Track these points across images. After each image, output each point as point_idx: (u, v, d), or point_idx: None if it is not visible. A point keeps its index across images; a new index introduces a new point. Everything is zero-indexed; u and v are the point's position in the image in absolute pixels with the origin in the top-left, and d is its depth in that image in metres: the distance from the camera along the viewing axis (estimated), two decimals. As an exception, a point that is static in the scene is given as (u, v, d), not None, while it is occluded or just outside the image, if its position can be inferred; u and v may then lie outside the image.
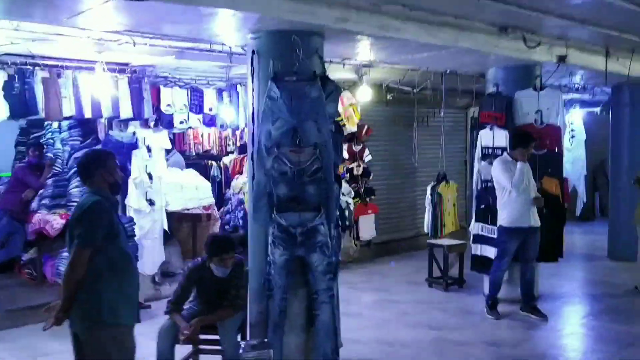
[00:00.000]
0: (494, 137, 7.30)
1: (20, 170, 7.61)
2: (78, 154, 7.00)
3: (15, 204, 7.42)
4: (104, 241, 3.58)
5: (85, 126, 7.36)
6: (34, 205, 7.45)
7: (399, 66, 7.99)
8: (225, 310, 4.77)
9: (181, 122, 7.78)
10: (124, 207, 7.31)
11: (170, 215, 8.00)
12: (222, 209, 9.82)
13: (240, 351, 4.62)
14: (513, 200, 6.58)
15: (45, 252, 7.41)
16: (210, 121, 8.11)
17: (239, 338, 5.01)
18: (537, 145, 6.91)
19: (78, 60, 6.65)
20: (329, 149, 4.99)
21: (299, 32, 4.93)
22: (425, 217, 8.90)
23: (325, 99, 4.97)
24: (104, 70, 6.59)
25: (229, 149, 10.13)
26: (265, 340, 4.89)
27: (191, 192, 7.96)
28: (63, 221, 6.89)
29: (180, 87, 7.75)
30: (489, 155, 7.30)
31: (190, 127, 8.14)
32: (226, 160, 10.04)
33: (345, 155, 9.40)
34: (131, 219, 6.96)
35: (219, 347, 4.76)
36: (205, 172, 10.07)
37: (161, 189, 7.54)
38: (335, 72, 7.83)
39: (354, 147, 9.49)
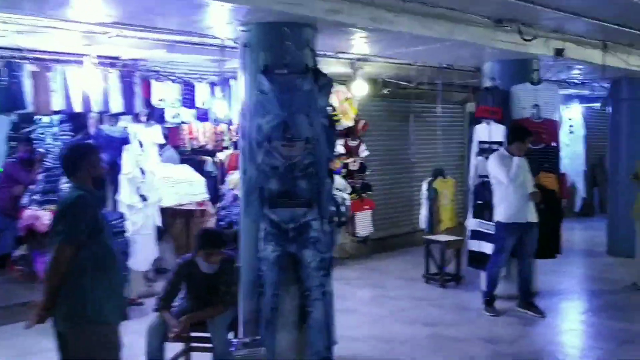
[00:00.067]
0: (490, 131, 7.20)
1: (10, 166, 7.51)
2: (65, 149, 6.91)
3: (5, 200, 7.32)
4: (88, 237, 3.49)
5: (76, 121, 7.23)
6: (24, 201, 7.33)
7: (395, 60, 7.89)
8: (215, 307, 4.68)
9: (173, 117, 7.68)
10: (116, 202, 7.24)
11: (164, 211, 7.90)
12: (217, 204, 9.74)
13: (232, 349, 4.53)
14: (510, 195, 6.50)
15: (36, 249, 7.30)
16: (203, 116, 8.01)
17: (231, 335, 4.93)
18: (534, 140, 6.83)
19: (67, 54, 6.54)
20: (321, 143, 4.90)
21: (290, 24, 4.83)
22: (421, 213, 8.82)
23: (317, 93, 4.87)
24: (93, 63, 6.48)
25: (224, 144, 10.02)
26: (258, 337, 4.79)
27: (184, 187, 7.86)
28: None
29: (172, 81, 7.64)
30: (486, 150, 7.20)
31: (182, 122, 8.02)
32: (222, 155, 9.91)
33: (342, 150, 9.33)
34: (122, 215, 6.87)
35: (210, 345, 4.67)
36: (200, 168, 9.97)
37: (154, 185, 7.44)
38: (330, 66, 7.77)
39: (350, 143, 9.40)
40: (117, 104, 6.91)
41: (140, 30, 5.67)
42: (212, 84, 8.00)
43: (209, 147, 9.94)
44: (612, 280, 8.28)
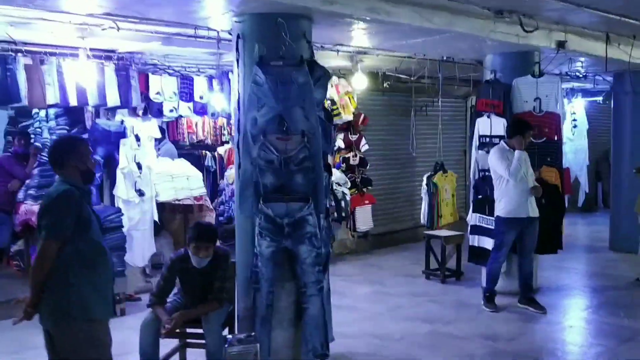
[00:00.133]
0: (491, 125, 7.11)
1: (5, 160, 7.46)
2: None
3: (1, 195, 7.26)
4: (74, 232, 3.41)
5: (72, 115, 7.17)
6: (20, 195, 7.28)
7: (395, 53, 7.78)
8: (209, 304, 4.61)
9: (171, 111, 7.61)
10: (113, 197, 7.17)
11: (162, 206, 7.84)
12: (216, 200, 9.67)
13: (226, 345, 4.45)
14: (510, 189, 6.41)
15: (32, 244, 7.25)
16: (201, 109, 7.93)
17: (226, 332, 4.86)
18: (535, 134, 6.74)
19: (62, 47, 6.46)
20: (318, 137, 4.80)
21: (285, 15, 4.73)
22: (421, 208, 8.73)
23: (313, 85, 4.77)
24: (88, 56, 6.40)
25: (223, 139, 9.95)
26: (253, 334, 4.71)
27: (182, 182, 7.77)
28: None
29: (170, 74, 7.57)
30: (487, 143, 7.12)
31: (180, 116, 7.95)
32: (221, 150, 9.86)
33: (342, 144, 9.27)
34: (118, 210, 6.80)
35: (204, 341, 4.60)
36: (199, 163, 9.91)
37: (151, 179, 7.37)
38: (330, 59, 7.68)
39: (350, 137, 9.32)
40: (113, 98, 6.84)
41: (135, 22, 5.58)
42: (210, 78, 7.92)
43: (208, 141, 9.91)
44: (614, 276, 8.18)
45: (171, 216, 8.26)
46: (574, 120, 12.35)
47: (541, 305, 6.63)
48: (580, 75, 9.74)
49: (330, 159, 9.19)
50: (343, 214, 8.90)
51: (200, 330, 4.61)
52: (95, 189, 7.07)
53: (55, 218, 3.38)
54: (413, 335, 5.99)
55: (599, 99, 12.53)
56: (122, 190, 7.04)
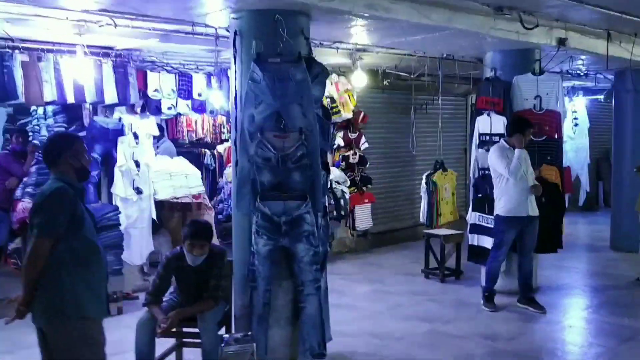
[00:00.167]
0: (491, 123, 7.06)
1: (3, 158, 7.42)
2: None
3: (-1, 193, 7.24)
4: (67, 230, 3.37)
5: (70, 112, 7.14)
6: (18, 193, 7.23)
7: (395, 51, 7.74)
8: (205, 302, 4.56)
9: (169, 108, 7.57)
10: (110, 195, 7.14)
11: (161, 205, 7.80)
12: (215, 198, 9.63)
13: (222, 345, 4.41)
14: (510, 188, 6.36)
15: (30, 242, 7.21)
16: (199, 107, 7.89)
17: (223, 331, 4.82)
18: (535, 132, 6.70)
19: (59, 44, 6.42)
20: (315, 134, 4.77)
21: (283, 12, 4.69)
22: (421, 207, 8.69)
23: (310, 82, 4.73)
24: (85, 53, 6.37)
25: (223, 137, 9.91)
26: (249, 333, 4.67)
27: (180, 180, 7.72)
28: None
29: (168, 71, 7.54)
30: (487, 142, 7.08)
31: (179, 114, 7.91)
32: (220, 148, 9.82)
33: (341, 142, 9.22)
34: (116, 208, 6.75)
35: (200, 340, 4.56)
36: (198, 161, 9.87)
37: (149, 177, 7.33)
38: (329, 57, 7.64)
39: (350, 135, 9.27)
40: (111, 95, 6.81)
41: (132, 19, 5.54)
42: (209, 75, 7.88)
43: (208, 139, 9.87)
44: (615, 276, 8.13)
45: (170, 214, 8.22)
46: (575, 118, 12.30)
47: (541, 304, 6.59)
48: (582, 74, 9.69)
49: (330, 158, 9.19)
50: (342, 213, 8.85)
51: (196, 330, 4.57)
52: (93, 186, 7.04)
53: (47, 216, 3.34)
54: (412, 334, 5.95)
55: (601, 97, 12.48)
56: (120, 188, 7.00)
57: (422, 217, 8.71)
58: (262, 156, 4.71)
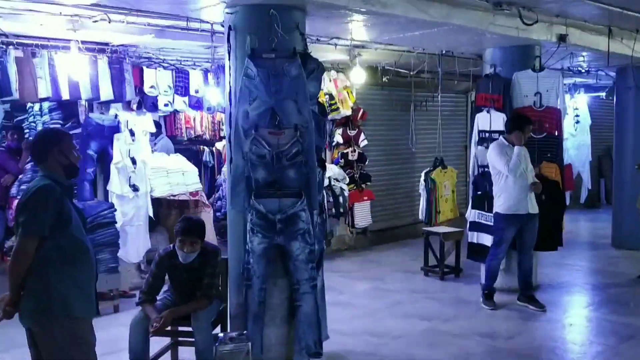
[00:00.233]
0: (491, 120, 7.00)
1: (-2, 155, 7.35)
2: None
3: (-5, 190, 7.17)
4: (53, 229, 3.31)
5: (66, 109, 7.09)
6: (13, 190, 7.18)
7: (394, 47, 7.67)
8: (199, 301, 4.50)
9: (165, 105, 7.51)
10: (107, 192, 7.08)
11: (158, 202, 7.75)
12: (213, 195, 9.58)
13: (217, 344, 4.36)
14: (510, 186, 6.29)
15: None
16: (196, 104, 7.82)
17: (218, 329, 4.76)
18: (535, 129, 6.63)
19: (54, 39, 6.36)
20: (311, 131, 4.70)
21: (278, 6, 4.62)
22: (420, 204, 8.63)
23: (306, 78, 4.67)
24: (80, 49, 6.30)
25: (222, 134, 9.85)
26: (244, 332, 4.62)
27: (177, 177, 7.68)
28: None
29: (165, 68, 7.47)
30: (486, 139, 7.01)
31: (175, 110, 7.85)
32: (219, 145, 9.77)
33: (340, 140, 9.16)
34: (111, 205, 6.70)
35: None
36: (197, 158, 9.83)
37: (145, 174, 7.27)
38: (328, 53, 7.57)
39: (349, 132, 9.21)
40: (106, 92, 6.75)
41: (125, 14, 5.48)
42: (206, 71, 7.82)
43: (206, 136, 9.81)
44: (616, 274, 8.06)
45: (167, 212, 8.17)
46: (577, 115, 12.21)
47: (541, 302, 6.53)
48: (583, 70, 9.61)
49: (328, 155, 9.14)
50: (341, 210, 8.80)
51: (190, 328, 4.51)
52: (89, 184, 6.99)
53: (32, 214, 3.27)
54: (411, 332, 5.89)
55: (602, 94, 12.40)
56: (116, 185, 6.95)
57: (421, 214, 8.64)
58: (256, 153, 4.65)
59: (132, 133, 7.10)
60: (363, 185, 9.31)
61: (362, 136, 9.29)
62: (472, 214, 7.16)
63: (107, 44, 6.75)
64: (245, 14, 4.74)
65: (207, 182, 9.98)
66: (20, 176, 7.18)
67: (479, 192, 7.05)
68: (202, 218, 8.06)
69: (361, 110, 9.23)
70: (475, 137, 7.21)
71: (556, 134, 7.07)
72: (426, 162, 9.72)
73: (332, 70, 8.76)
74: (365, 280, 7.94)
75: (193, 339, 4.50)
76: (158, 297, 4.71)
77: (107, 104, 7.03)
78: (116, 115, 7.06)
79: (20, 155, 7.20)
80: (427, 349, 5.48)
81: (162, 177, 7.51)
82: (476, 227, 7.08)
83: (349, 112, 8.99)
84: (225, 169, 8.97)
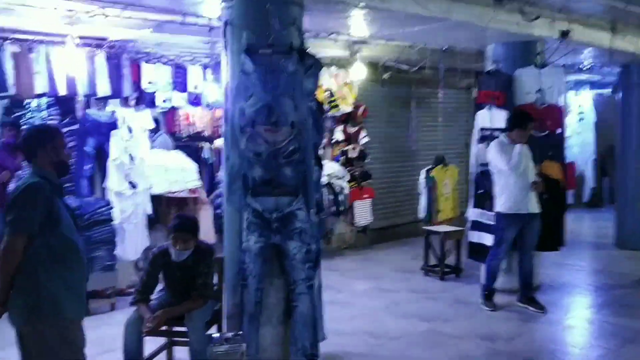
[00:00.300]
0: (492, 117, 6.90)
1: (-4, 151, 7.30)
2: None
3: (-8, 187, 7.12)
4: (43, 228, 3.24)
5: (64, 105, 7.01)
6: (11, 187, 7.13)
7: (395, 43, 7.59)
8: (193, 301, 4.43)
9: (164, 101, 7.43)
10: (104, 189, 7.02)
11: (157, 199, 7.68)
12: (214, 192, 9.50)
13: (211, 344, 4.28)
14: (511, 185, 6.21)
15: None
16: (195, 100, 7.74)
17: (214, 329, 4.70)
18: (537, 127, 6.53)
19: (51, 34, 6.29)
20: (308, 128, 4.62)
21: (275, 1, 4.53)
22: (420, 202, 8.55)
23: (303, 74, 4.58)
24: (76, 44, 6.23)
25: (222, 131, 9.77)
26: (240, 333, 4.54)
27: (176, 174, 7.59)
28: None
29: (163, 63, 7.38)
30: (487, 137, 6.91)
31: (173, 107, 7.76)
32: (219, 142, 9.66)
33: (341, 137, 9.07)
34: (108, 203, 6.64)
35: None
36: (196, 154, 9.73)
37: (144, 171, 7.20)
38: (327, 49, 7.50)
39: (349, 129, 9.12)
40: (104, 87, 6.70)
41: (122, 9, 5.41)
42: (205, 67, 7.73)
43: (206, 133, 9.71)
44: (618, 274, 7.96)
45: (167, 209, 8.10)
46: (581, 113, 12.12)
47: (541, 304, 6.45)
48: (586, 67, 9.50)
49: (328, 152, 9.06)
50: (341, 208, 8.73)
51: (182, 329, 4.44)
52: (87, 180, 6.93)
53: (21, 212, 3.20)
54: (409, 333, 5.81)
55: (607, 91, 12.27)
56: (114, 182, 6.90)
57: (421, 213, 8.56)
58: (252, 150, 4.56)
59: (129, 129, 7.02)
60: (363, 183, 9.23)
61: (363, 133, 9.20)
62: (473, 213, 7.08)
63: (104, 39, 6.67)
64: (241, 9, 4.64)
65: (207, 179, 9.87)
66: (17, 172, 7.13)
67: (480, 191, 6.96)
68: (199, 215, 8.10)
69: (362, 107, 9.14)
70: (476, 134, 7.12)
71: (558, 132, 6.98)
72: (427, 159, 9.63)
73: (333, 66, 8.67)
74: (364, 279, 7.87)
75: (187, 339, 4.44)
76: (153, 297, 4.64)
77: (104, 100, 6.96)
78: (114, 112, 6.99)
79: (17, 151, 7.15)
80: (425, 351, 5.41)
81: (160, 174, 7.42)
82: (477, 226, 7.00)
83: (349, 109, 8.90)
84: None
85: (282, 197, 4.62)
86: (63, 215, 3.35)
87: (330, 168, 8.60)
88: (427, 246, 7.99)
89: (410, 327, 5.97)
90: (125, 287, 7.11)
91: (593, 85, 12.23)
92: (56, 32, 6.22)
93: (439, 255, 7.82)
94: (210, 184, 9.57)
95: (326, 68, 8.52)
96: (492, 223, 6.62)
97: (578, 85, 11.95)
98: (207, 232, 7.96)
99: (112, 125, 6.91)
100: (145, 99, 7.29)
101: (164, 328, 4.43)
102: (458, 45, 7.64)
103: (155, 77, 7.27)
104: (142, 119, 7.27)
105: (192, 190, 7.90)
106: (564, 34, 6.68)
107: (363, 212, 9.20)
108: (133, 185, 7.04)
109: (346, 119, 9.06)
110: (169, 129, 9.07)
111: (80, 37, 6.31)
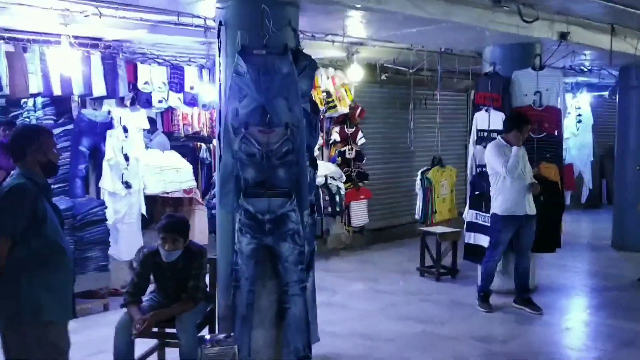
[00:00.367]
0: (489, 119, 6.88)
1: (-11, 151, 7.26)
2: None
3: (-14, 186, 7.08)
4: (27, 230, 3.20)
5: (59, 105, 6.97)
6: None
7: (392, 44, 7.55)
8: (184, 303, 4.40)
9: (160, 101, 7.38)
10: (98, 189, 6.98)
11: (152, 200, 7.65)
12: (210, 192, 9.47)
13: (203, 346, 4.25)
14: (507, 186, 6.18)
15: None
16: (191, 100, 7.71)
17: (205, 331, 4.66)
18: (534, 129, 6.51)
19: (46, 34, 6.25)
20: (302, 130, 4.58)
21: (270, 1, 4.49)
22: (416, 203, 8.52)
23: (297, 75, 4.55)
24: (71, 44, 6.19)
25: (218, 131, 9.73)
26: (231, 335, 4.52)
27: (171, 174, 7.56)
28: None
29: (159, 64, 7.35)
30: (485, 138, 6.90)
31: (169, 107, 7.73)
32: (216, 142, 9.65)
33: (338, 137, 9.05)
34: (102, 203, 6.61)
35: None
36: (194, 155, 9.71)
37: (139, 171, 7.17)
38: (325, 50, 7.46)
39: (346, 130, 9.09)
40: (99, 87, 6.64)
41: (116, 9, 5.38)
42: (201, 68, 7.70)
43: (204, 133, 9.69)
44: (616, 276, 7.94)
45: (161, 210, 8.07)
46: (579, 115, 12.08)
47: (537, 305, 6.42)
48: (585, 69, 9.47)
49: (325, 153, 9.04)
50: (337, 209, 8.70)
51: (173, 331, 4.41)
52: (81, 180, 6.89)
53: (4, 215, 3.16)
54: (404, 335, 5.78)
55: (605, 93, 12.24)
56: (108, 182, 6.85)
57: (418, 214, 8.53)
58: (246, 152, 4.53)
59: (125, 129, 6.99)
60: (360, 184, 9.21)
61: (360, 134, 9.18)
62: (469, 214, 7.05)
63: (100, 39, 6.64)
64: (236, 9, 4.61)
65: (204, 179, 9.86)
66: (12, 172, 7.09)
67: (477, 192, 6.94)
68: (194, 216, 8.07)
69: (359, 108, 9.11)
70: (473, 136, 7.10)
71: (556, 133, 6.95)
72: (425, 160, 9.60)
73: (330, 67, 8.64)
74: (360, 280, 7.84)
75: (177, 341, 4.41)
76: (145, 298, 4.61)
77: (99, 100, 6.92)
78: (109, 112, 6.95)
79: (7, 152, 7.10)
80: (420, 353, 5.38)
81: (155, 174, 7.39)
82: (473, 227, 6.97)
83: (346, 110, 8.88)
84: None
85: (275, 199, 4.59)
86: (49, 217, 3.31)
87: (327, 169, 8.57)
88: (423, 247, 7.96)
89: (406, 329, 5.95)
90: (119, 287, 7.07)
91: (591, 87, 12.20)
92: (51, 32, 6.19)
93: (435, 257, 7.78)
94: (208, 185, 9.56)
95: (324, 69, 8.50)
96: (488, 224, 6.59)
97: (576, 87, 11.92)
98: (201, 233, 7.94)
99: (107, 125, 6.86)
100: (141, 99, 7.25)
101: (155, 330, 4.40)
102: (456, 47, 7.62)
103: (151, 78, 7.23)
104: (137, 119, 7.22)
105: (187, 191, 7.87)
106: (563, 36, 6.66)
107: (359, 213, 9.17)
108: (128, 185, 7.00)
109: (343, 120, 9.04)
110: (166, 129, 9.07)
111: (75, 37, 6.26)
